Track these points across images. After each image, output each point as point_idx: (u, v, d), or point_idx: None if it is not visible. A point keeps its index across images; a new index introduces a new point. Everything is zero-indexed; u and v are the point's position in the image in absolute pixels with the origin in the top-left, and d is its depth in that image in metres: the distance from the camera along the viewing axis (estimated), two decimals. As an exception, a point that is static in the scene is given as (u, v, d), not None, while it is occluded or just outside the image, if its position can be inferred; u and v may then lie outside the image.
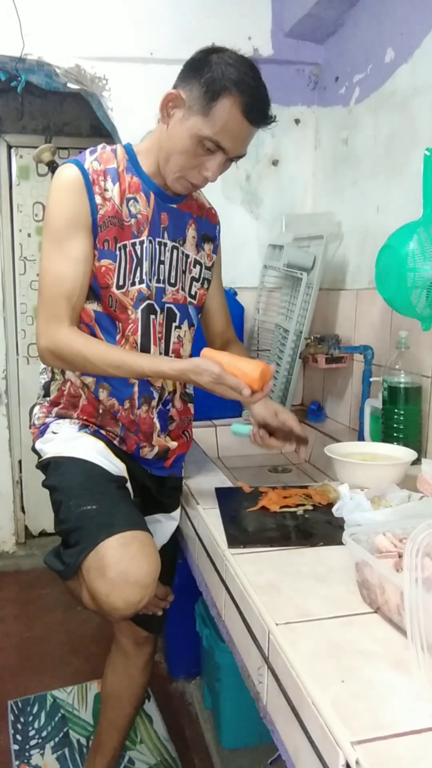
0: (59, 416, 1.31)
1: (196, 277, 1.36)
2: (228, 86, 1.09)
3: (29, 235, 2.95)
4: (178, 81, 1.17)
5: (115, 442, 1.30)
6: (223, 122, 1.11)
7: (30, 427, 1.37)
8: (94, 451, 1.23)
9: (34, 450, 1.33)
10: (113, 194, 1.20)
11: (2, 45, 1.90)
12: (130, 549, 1.03)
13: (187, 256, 1.33)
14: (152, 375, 1.19)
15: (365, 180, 1.87)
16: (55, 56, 1.95)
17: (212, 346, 1.48)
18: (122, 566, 1.01)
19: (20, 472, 3.02)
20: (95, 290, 1.23)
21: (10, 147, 2.88)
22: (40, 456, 1.29)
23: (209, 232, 1.38)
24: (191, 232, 1.33)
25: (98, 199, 1.18)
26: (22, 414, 2.97)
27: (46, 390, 1.35)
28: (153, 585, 1.05)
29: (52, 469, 1.22)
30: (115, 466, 1.24)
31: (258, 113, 1.13)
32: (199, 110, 1.11)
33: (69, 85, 2.01)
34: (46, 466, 1.24)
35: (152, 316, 1.27)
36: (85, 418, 1.30)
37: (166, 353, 1.32)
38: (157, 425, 1.32)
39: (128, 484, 1.26)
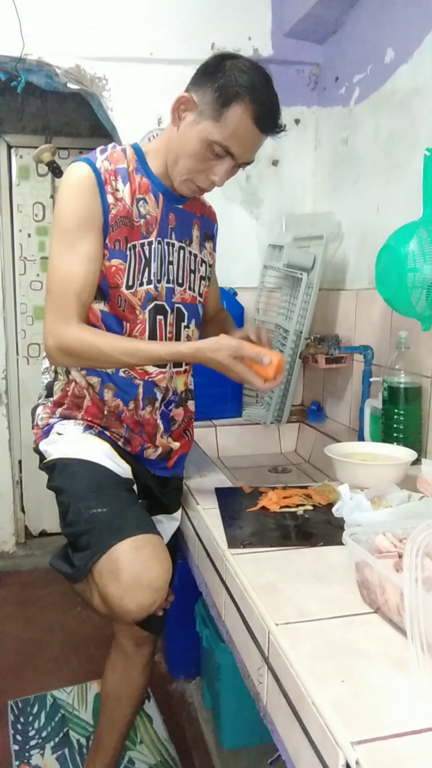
0: (63, 417, 1.31)
1: (204, 276, 1.37)
2: (241, 93, 1.10)
3: (29, 235, 2.95)
4: (190, 84, 1.18)
5: (120, 443, 1.30)
6: (234, 128, 1.12)
7: (33, 428, 1.37)
8: (100, 452, 1.23)
9: (37, 451, 1.33)
10: (124, 194, 1.20)
11: (2, 45, 1.90)
12: (143, 553, 1.04)
13: (195, 256, 1.34)
14: (168, 358, 1.19)
15: (365, 180, 1.87)
16: (55, 56, 1.95)
17: (206, 324, 1.50)
18: (136, 570, 1.02)
19: (20, 472, 3.02)
20: (104, 290, 1.23)
21: (10, 147, 2.88)
22: (43, 457, 1.29)
23: (209, 230, 1.39)
24: (195, 232, 1.34)
25: (110, 199, 1.19)
26: (22, 414, 2.97)
27: (49, 390, 1.35)
28: (165, 588, 1.06)
29: (59, 470, 1.22)
30: (121, 468, 1.25)
31: (269, 121, 1.14)
32: (210, 115, 1.12)
33: (69, 85, 2.01)
34: (52, 467, 1.24)
35: (159, 317, 1.27)
36: (89, 419, 1.29)
37: None
38: (161, 426, 1.33)
39: (134, 486, 1.27)
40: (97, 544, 1.06)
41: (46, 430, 1.30)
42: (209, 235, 1.39)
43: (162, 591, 1.05)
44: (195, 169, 1.18)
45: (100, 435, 1.28)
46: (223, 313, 1.58)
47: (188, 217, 1.32)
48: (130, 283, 1.23)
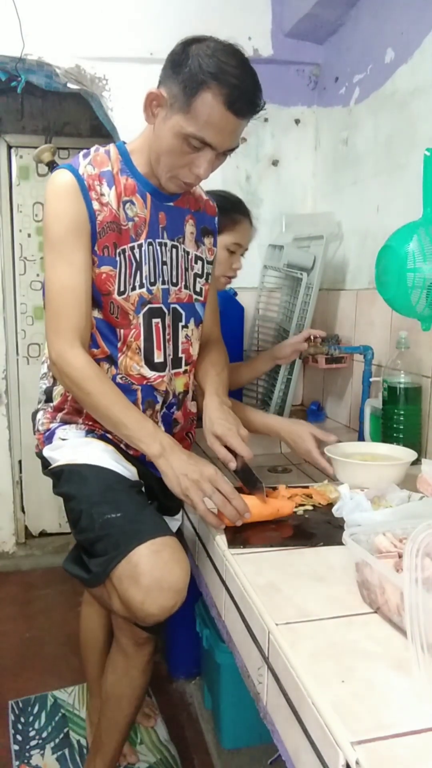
0: (64, 422, 1.30)
1: (200, 273, 1.34)
2: (206, 79, 1.04)
3: (29, 235, 2.95)
4: (160, 78, 1.14)
5: (122, 445, 1.29)
6: (206, 117, 1.07)
7: (34, 433, 1.36)
8: (107, 456, 1.22)
9: (40, 456, 1.32)
10: (110, 198, 1.18)
11: (2, 45, 1.91)
12: (163, 556, 1.04)
13: (188, 253, 1.32)
14: (138, 442, 1.17)
15: (365, 180, 1.87)
16: (55, 56, 1.95)
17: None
18: (156, 573, 1.02)
19: (20, 472, 3.02)
20: (96, 298, 1.21)
21: (10, 147, 2.88)
22: (47, 462, 1.28)
23: (208, 225, 1.37)
24: (189, 228, 1.32)
25: (96, 205, 1.16)
26: (22, 414, 2.97)
27: (48, 395, 1.34)
28: (185, 589, 1.05)
29: (67, 476, 1.21)
30: (129, 471, 1.24)
31: (242, 103, 1.08)
32: (180, 107, 1.08)
33: (69, 85, 2.01)
34: (59, 473, 1.23)
35: (155, 320, 1.26)
36: (90, 423, 1.28)
37: (175, 354, 1.31)
38: (162, 429, 1.32)
39: (143, 489, 1.26)
40: (114, 550, 1.05)
41: (48, 436, 1.30)
42: (209, 229, 1.36)
43: (183, 592, 1.05)
44: (176, 165, 1.15)
45: (103, 438, 1.27)
46: (214, 356, 1.43)
47: (180, 213, 1.30)
48: (122, 288, 1.21)
